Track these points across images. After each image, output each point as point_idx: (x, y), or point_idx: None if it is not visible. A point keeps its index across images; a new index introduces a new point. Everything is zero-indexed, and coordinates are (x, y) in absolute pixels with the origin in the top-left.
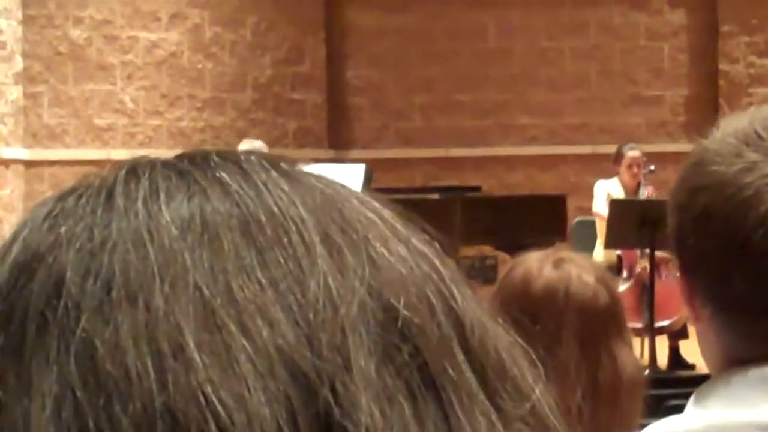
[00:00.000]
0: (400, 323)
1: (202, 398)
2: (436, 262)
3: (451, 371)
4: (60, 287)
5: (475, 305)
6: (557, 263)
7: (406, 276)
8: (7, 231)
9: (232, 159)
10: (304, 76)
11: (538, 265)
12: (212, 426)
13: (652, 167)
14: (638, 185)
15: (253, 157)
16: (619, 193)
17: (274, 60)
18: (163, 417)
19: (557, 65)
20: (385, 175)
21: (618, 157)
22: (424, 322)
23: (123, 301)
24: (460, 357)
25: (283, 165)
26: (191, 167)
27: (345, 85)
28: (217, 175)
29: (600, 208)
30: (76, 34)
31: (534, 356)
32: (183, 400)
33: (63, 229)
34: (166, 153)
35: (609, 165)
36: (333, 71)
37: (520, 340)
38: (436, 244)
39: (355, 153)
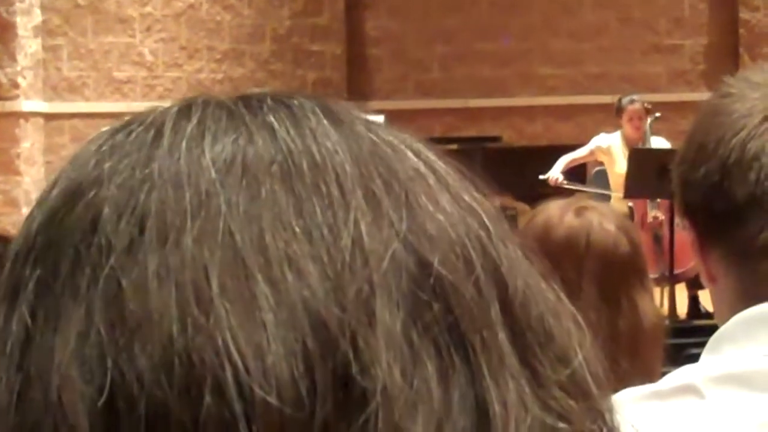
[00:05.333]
0: (432, 279)
1: (220, 344)
2: (486, 218)
3: (483, 332)
4: (96, 224)
5: (525, 265)
6: (579, 211)
7: (448, 231)
8: (28, 184)
9: (285, 103)
10: (322, 27)
11: (559, 213)
12: (228, 373)
13: (658, 114)
14: (644, 136)
15: (307, 103)
16: (621, 147)
17: (292, 11)
18: (180, 359)
19: (577, 14)
20: (405, 126)
21: (618, 110)
22: (458, 279)
23: (153, 241)
24: (497, 318)
25: (337, 111)
26: (244, 110)
27: (364, 35)
28: (267, 119)
29: (562, 159)
30: None
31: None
32: (201, 345)
33: (107, 165)
34: None
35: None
36: (352, 22)
37: (569, 305)
38: (493, 201)
39: (374, 104)
